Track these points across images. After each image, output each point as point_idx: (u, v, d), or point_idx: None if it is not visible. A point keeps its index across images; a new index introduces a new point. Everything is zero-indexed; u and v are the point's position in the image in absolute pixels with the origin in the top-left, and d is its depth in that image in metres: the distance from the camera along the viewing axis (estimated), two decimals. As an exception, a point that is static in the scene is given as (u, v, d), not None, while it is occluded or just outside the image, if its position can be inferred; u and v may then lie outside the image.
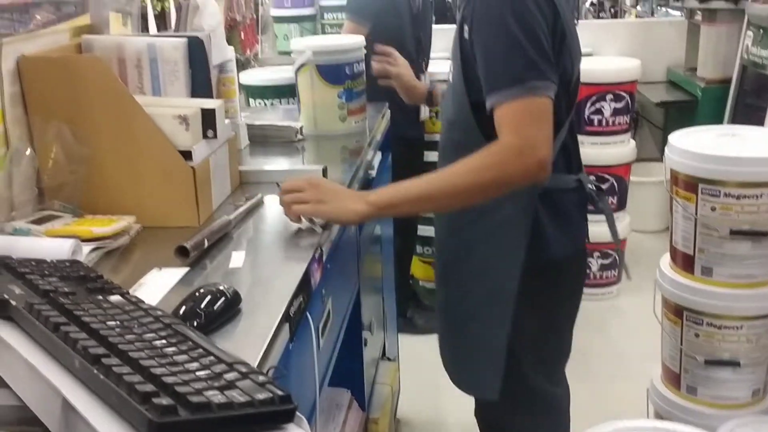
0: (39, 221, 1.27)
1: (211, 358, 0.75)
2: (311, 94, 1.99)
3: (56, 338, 0.75)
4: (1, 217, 1.27)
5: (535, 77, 1.31)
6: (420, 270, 3.51)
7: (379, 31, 2.90)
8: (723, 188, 1.91)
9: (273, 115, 2.44)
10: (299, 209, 1.31)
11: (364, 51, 2.05)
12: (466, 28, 1.41)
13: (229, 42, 4.64)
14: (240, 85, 3.35)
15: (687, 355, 2.08)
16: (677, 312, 2.10)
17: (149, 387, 0.65)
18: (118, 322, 0.80)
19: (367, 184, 1.99)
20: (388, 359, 2.27)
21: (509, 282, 1.53)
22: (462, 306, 1.62)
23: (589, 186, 1.59)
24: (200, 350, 0.77)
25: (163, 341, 0.78)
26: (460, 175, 1.34)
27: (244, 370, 0.73)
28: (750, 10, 3.40)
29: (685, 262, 2.06)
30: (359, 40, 2.04)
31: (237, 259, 1.24)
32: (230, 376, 0.71)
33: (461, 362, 1.67)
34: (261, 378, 0.72)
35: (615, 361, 2.91)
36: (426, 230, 3.41)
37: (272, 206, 1.53)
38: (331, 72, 1.95)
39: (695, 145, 2.00)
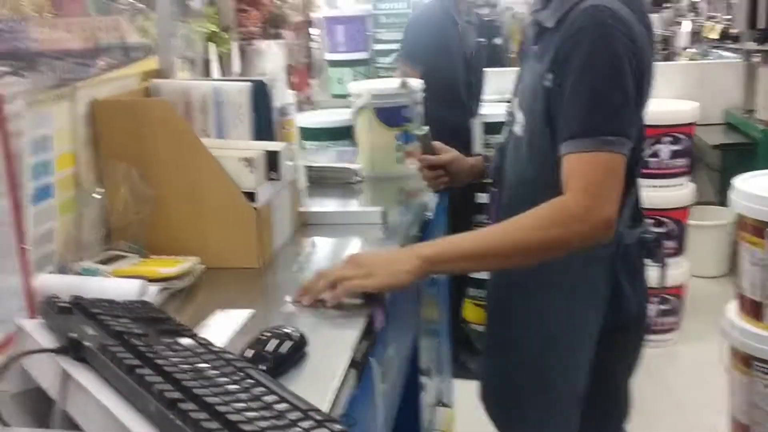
0: (106, 261, 1.28)
1: (286, 404, 0.73)
2: (369, 137, 2.00)
3: (131, 381, 0.74)
4: (69, 257, 1.29)
5: (612, 132, 1.24)
6: (472, 313, 3.45)
7: (431, 74, 2.92)
8: (794, 233, 1.85)
9: (326, 157, 2.45)
10: (350, 285, 1.16)
11: (422, 94, 2.06)
12: (549, 77, 1.33)
13: (282, 86, 4.68)
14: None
15: (758, 407, 1.99)
16: (746, 362, 2.02)
17: (227, 434, 0.64)
18: (190, 366, 0.80)
19: (425, 225, 1.98)
20: (444, 405, 2.22)
21: (589, 346, 1.46)
22: (531, 376, 1.53)
23: (648, 236, 1.51)
24: (274, 396, 0.75)
25: (236, 386, 0.77)
26: (521, 232, 1.24)
27: (319, 417, 0.72)
28: (811, 51, 3.34)
29: (753, 310, 1.99)
30: (417, 83, 2.05)
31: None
32: (306, 424, 0.70)
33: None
34: (337, 427, 0.71)
35: (676, 412, 2.81)
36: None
37: (332, 250, 1.53)
38: (389, 114, 1.97)
39: (763, 188, 1.94)
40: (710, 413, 2.47)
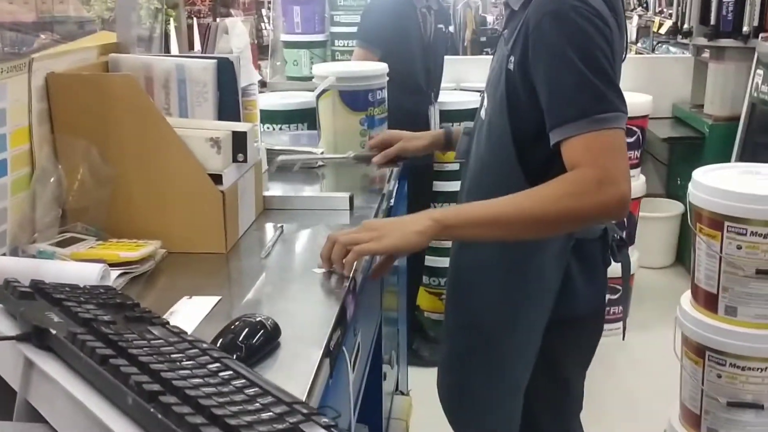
0: (62, 244, 1.22)
1: (270, 398, 0.70)
2: (332, 120, 1.96)
3: (105, 372, 0.69)
4: (23, 239, 1.22)
5: (603, 110, 1.22)
6: (426, 301, 3.46)
7: (388, 59, 2.88)
8: (750, 227, 1.89)
9: (282, 141, 2.39)
10: (361, 249, 1.18)
11: (387, 78, 2.02)
12: (512, 59, 1.33)
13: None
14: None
15: (708, 396, 2.03)
16: (699, 352, 2.06)
17: (214, 430, 0.60)
18: (165, 356, 0.75)
19: (387, 213, 1.95)
20: (402, 393, 2.21)
21: (534, 337, 1.46)
22: (482, 361, 1.52)
23: (614, 235, 1.50)
24: (256, 388, 0.71)
25: (216, 377, 0.73)
26: (535, 202, 1.22)
27: (305, 411, 0.68)
28: (760, 48, 3.41)
29: (707, 301, 2.02)
30: (383, 67, 2.02)
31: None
32: (293, 418, 0.66)
33: (474, 419, 1.58)
34: (324, 420, 0.67)
35: (626, 400, 2.86)
36: (432, 261, 3.38)
37: (298, 235, 1.50)
38: (354, 98, 1.93)
39: (720, 182, 1.97)
40: (660, 402, 2.52)
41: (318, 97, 1.96)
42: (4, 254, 1.17)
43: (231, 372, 0.75)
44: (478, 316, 1.51)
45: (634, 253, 3.44)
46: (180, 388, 0.67)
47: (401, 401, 2.16)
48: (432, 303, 3.48)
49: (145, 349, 0.76)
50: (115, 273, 1.15)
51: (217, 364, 0.76)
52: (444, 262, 3.44)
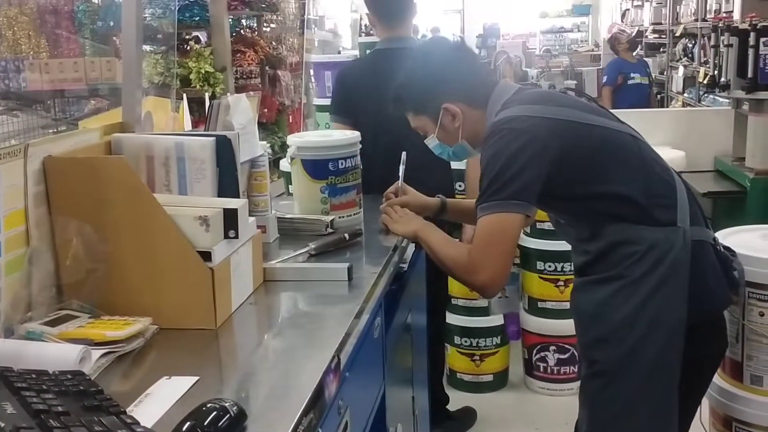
0: (54, 322, 1.25)
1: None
2: (298, 187, 2.03)
3: (35, 471, 0.71)
4: (17, 317, 1.26)
5: (502, 197, 1.56)
6: (459, 361, 3.39)
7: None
8: (771, 293, 1.82)
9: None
10: (384, 218, 1.91)
11: (358, 147, 2.04)
12: None
13: (278, 125, 4.72)
14: (281, 171, 3.38)
15: (738, 470, 1.94)
16: (726, 423, 1.97)
17: None
18: (105, 451, 0.76)
19: (399, 277, 1.95)
20: (418, 463, 2.16)
21: (678, 338, 1.54)
22: (636, 371, 1.57)
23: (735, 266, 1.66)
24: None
25: (149, 475, 0.73)
26: (447, 257, 1.71)
27: None
28: (799, 101, 3.33)
29: (732, 370, 1.94)
30: (350, 136, 2.04)
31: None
32: None
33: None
34: None
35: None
36: (464, 321, 3.33)
37: (294, 307, 1.51)
38: (315, 167, 1.97)
39: (741, 246, 1.91)
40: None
41: (290, 164, 2.03)
42: (-3, 334, 1.21)
43: (169, 468, 0.75)
44: (617, 334, 1.58)
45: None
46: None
47: (416, 471, 2.11)
48: (465, 364, 3.42)
49: (85, 444, 0.77)
50: (98, 353, 1.17)
51: (157, 460, 0.77)
52: (476, 322, 3.40)
